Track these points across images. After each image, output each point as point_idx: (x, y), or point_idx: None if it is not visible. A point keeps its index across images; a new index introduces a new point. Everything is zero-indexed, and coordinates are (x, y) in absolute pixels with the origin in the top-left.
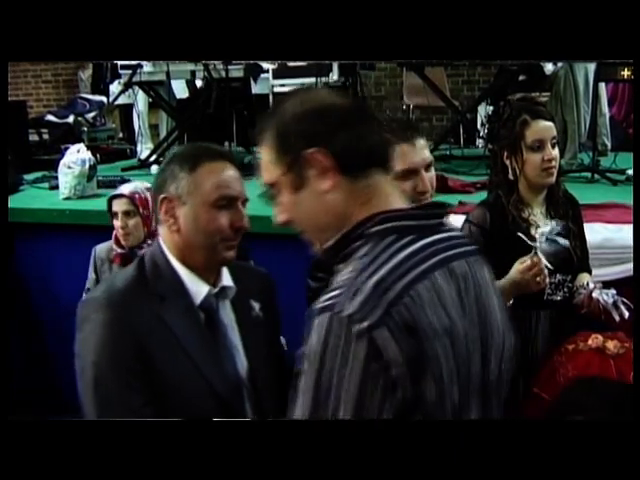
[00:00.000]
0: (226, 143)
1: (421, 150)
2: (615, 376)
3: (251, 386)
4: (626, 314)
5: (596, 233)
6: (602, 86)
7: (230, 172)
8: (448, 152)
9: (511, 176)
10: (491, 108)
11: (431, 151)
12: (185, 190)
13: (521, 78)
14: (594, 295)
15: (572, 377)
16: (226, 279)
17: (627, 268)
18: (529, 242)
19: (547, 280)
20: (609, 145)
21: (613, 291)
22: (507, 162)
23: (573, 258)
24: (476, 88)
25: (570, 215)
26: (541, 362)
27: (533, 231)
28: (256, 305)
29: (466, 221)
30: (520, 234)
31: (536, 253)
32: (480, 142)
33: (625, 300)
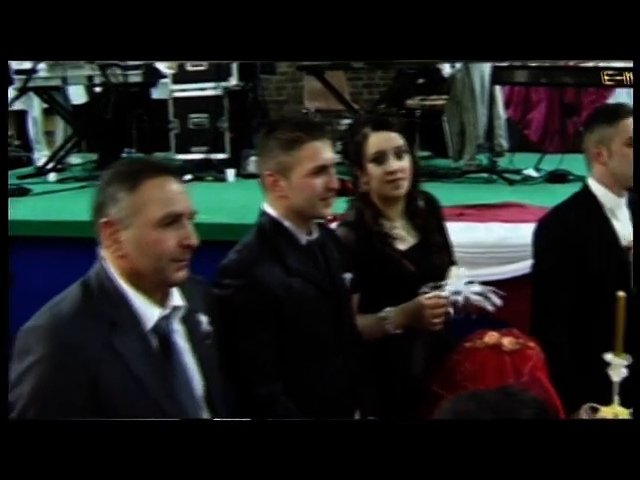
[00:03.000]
0: (126, 150)
1: (329, 148)
2: (511, 372)
3: (209, 406)
4: (498, 301)
5: (493, 232)
6: (498, 89)
7: (173, 187)
8: None
9: (362, 190)
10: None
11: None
12: (127, 212)
13: (420, 81)
14: (465, 295)
15: (470, 374)
16: (176, 298)
17: (524, 266)
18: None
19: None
20: (506, 146)
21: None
22: (357, 174)
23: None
24: (376, 92)
25: (433, 225)
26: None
27: (399, 245)
28: (204, 319)
29: (341, 223)
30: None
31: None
32: None
33: (492, 288)
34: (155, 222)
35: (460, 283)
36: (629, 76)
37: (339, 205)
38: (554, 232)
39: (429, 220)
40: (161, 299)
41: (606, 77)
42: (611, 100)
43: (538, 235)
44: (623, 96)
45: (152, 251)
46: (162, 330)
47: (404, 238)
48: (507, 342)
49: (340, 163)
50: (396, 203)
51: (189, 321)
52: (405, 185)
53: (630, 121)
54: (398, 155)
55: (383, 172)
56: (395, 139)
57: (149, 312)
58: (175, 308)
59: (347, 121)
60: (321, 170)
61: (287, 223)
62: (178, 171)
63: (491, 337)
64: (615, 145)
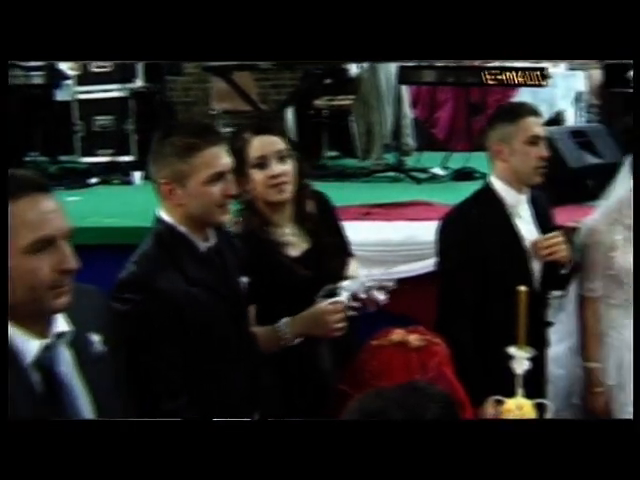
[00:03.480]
0: (30, 154)
1: (226, 153)
2: (417, 368)
3: None
4: (381, 297)
5: (400, 231)
6: (404, 88)
7: (43, 206)
8: None
9: (247, 197)
10: None
11: None
12: None
13: (327, 82)
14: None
15: (377, 372)
16: (60, 323)
17: (430, 263)
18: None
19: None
20: (413, 145)
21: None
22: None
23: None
24: (284, 92)
25: (326, 227)
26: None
27: (290, 251)
28: (95, 338)
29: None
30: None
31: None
32: None
33: (388, 279)
34: (23, 250)
35: (356, 283)
36: (510, 75)
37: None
38: (456, 230)
39: (321, 223)
40: (42, 329)
41: (488, 77)
42: (516, 99)
43: (441, 233)
44: (527, 95)
45: (25, 281)
46: (44, 362)
47: (295, 244)
48: (413, 339)
49: None
50: (283, 208)
51: (78, 344)
52: (289, 189)
53: (531, 119)
54: (281, 159)
55: (265, 177)
56: (277, 142)
57: (27, 346)
58: (59, 335)
59: None
60: (218, 177)
61: (184, 230)
62: (46, 185)
63: (397, 335)
64: (516, 143)
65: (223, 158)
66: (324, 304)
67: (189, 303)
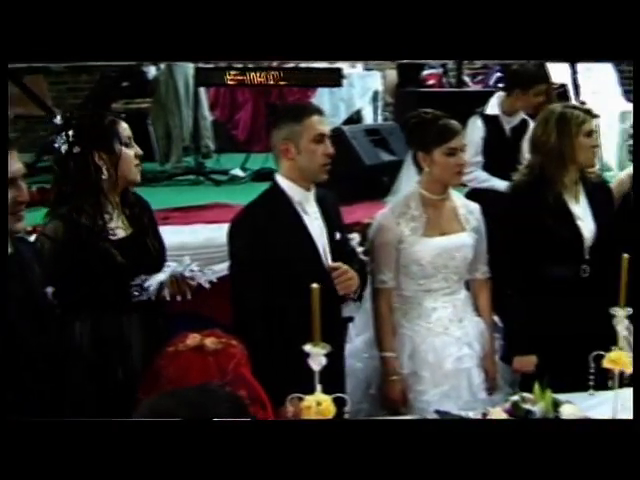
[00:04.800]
0: None
1: (16, 159)
2: (215, 371)
3: None
4: (203, 278)
5: (198, 234)
6: (203, 90)
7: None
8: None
9: (103, 176)
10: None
11: (33, 163)
12: None
13: (124, 84)
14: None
15: (174, 378)
16: None
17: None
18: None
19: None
20: (213, 147)
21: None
22: (100, 163)
23: (160, 259)
24: (81, 95)
25: (145, 215)
26: (144, 367)
27: (119, 233)
28: None
29: (40, 234)
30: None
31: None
32: None
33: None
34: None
35: (182, 265)
36: (252, 75)
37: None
38: (244, 231)
39: (142, 214)
40: None
41: (229, 77)
42: (315, 99)
43: (230, 235)
44: (325, 95)
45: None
46: None
47: (120, 229)
48: (210, 342)
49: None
50: (114, 193)
51: None
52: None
53: (315, 118)
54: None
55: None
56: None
57: None
58: None
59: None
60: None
61: None
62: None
63: (193, 339)
64: (303, 141)
65: (12, 165)
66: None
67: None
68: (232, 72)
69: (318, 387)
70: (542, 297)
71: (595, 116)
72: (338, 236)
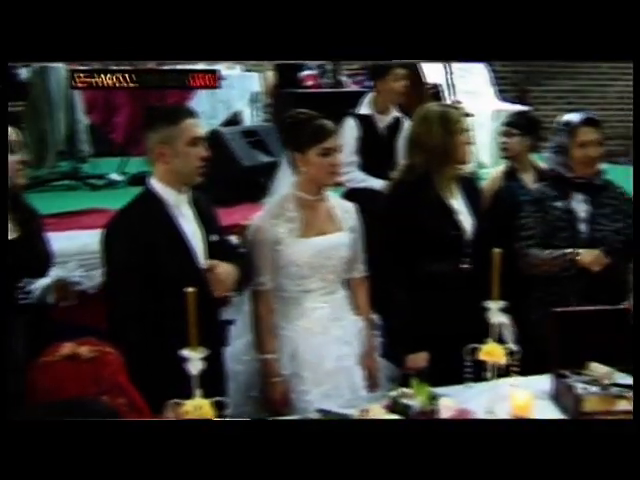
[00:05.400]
0: None
1: None
2: (91, 380)
3: None
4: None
5: (75, 240)
6: (77, 93)
7: None
8: None
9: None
10: None
11: None
12: None
13: None
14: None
15: (49, 389)
16: None
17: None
18: None
19: None
20: (89, 151)
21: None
22: None
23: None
24: None
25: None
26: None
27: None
28: None
29: None
30: None
31: None
32: None
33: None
34: None
35: (64, 270)
36: (101, 78)
37: None
38: (119, 234)
39: (31, 219)
40: None
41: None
42: (193, 101)
43: (104, 239)
44: (205, 97)
45: None
46: None
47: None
48: (84, 351)
49: None
50: None
51: None
52: None
53: (190, 121)
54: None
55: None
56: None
57: None
58: None
59: None
60: None
61: None
62: None
63: (67, 348)
64: (179, 145)
65: None
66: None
67: None
68: (81, 75)
69: (197, 391)
70: (426, 293)
71: (469, 115)
72: (214, 238)
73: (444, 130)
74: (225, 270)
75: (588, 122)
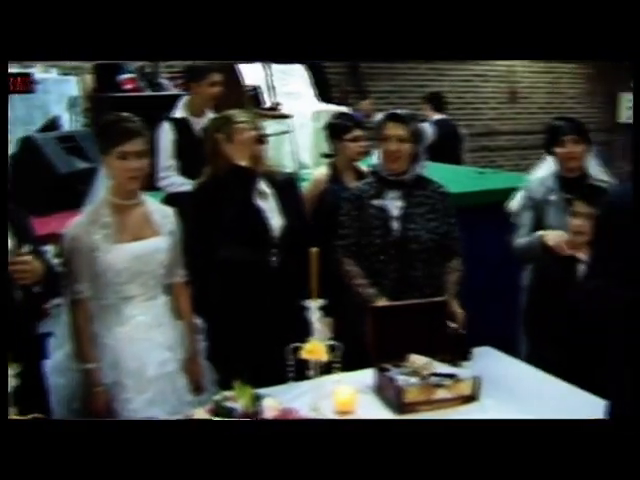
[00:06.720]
0: None
1: None
2: None
3: None
4: None
5: None
6: None
7: None
8: None
9: None
10: None
11: None
12: None
13: None
14: None
15: None
16: None
17: None
18: None
19: None
20: None
21: None
22: None
23: None
24: None
25: None
26: None
27: None
28: None
29: None
30: None
31: None
32: None
33: None
34: None
35: None
36: None
37: None
38: None
39: None
40: None
41: None
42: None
43: None
44: (20, 101)
45: None
46: None
47: None
48: None
49: None
50: None
51: None
52: None
53: None
54: None
55: None
56: None
57: None
58: None
59: None
60: None
61: None
62: None
63: None
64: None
65: None
66: None
67: None
68: None
69: (11, 410)
70: (237, 289)
71: (288, 117)
72: (27, 249)
73: (215, 133)
74: (25, 263)
75: (392, 117)
